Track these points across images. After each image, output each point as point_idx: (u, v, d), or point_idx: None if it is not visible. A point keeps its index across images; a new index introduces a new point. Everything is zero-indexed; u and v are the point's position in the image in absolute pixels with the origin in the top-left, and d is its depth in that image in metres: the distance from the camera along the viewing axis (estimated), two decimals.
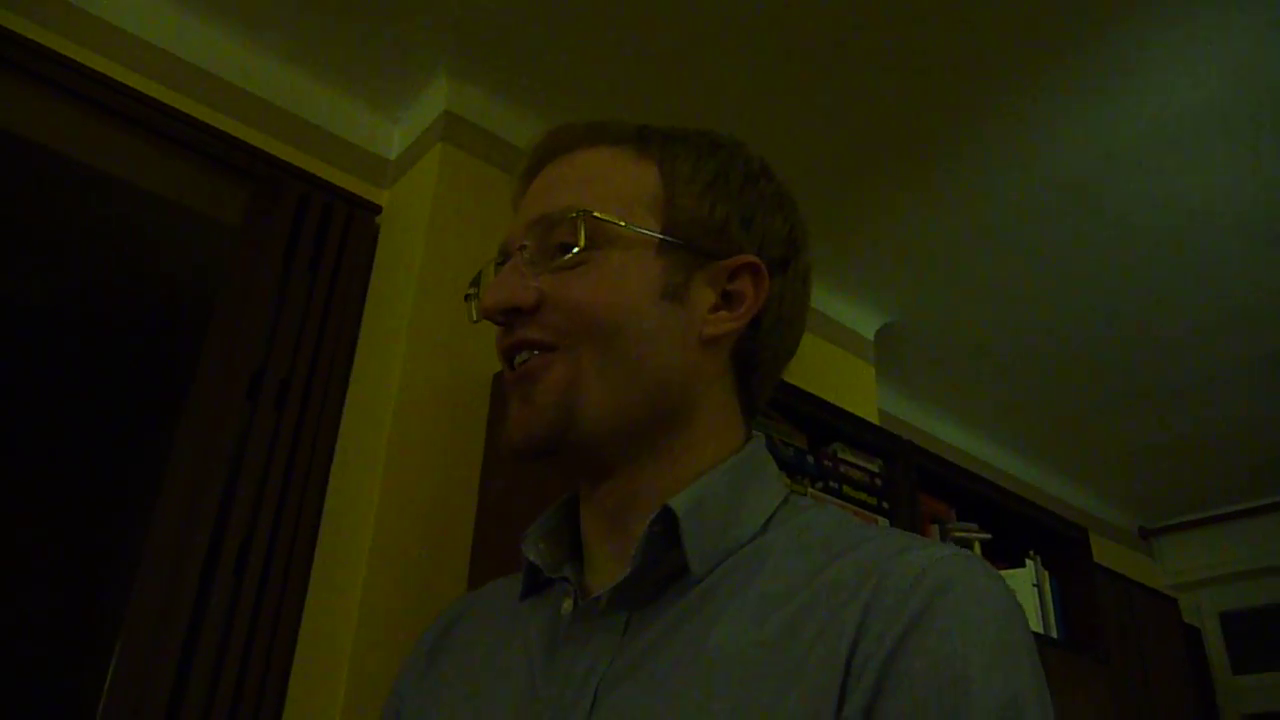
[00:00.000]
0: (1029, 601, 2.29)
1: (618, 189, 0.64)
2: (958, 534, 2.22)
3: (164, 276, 2.83)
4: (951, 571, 0.53)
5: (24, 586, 3.94)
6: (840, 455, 2.00)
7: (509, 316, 0.63)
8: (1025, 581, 2.33)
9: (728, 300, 0.65)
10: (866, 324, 2.73)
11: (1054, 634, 2.31)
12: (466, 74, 1.95)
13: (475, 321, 0.70)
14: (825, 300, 2.60)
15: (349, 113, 2.05)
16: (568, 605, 0.63)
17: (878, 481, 2.03)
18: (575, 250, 0.62)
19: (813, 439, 1.99)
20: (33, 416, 3.93)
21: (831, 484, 1.92)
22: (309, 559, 1.67)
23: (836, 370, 2.56)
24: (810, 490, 1.85)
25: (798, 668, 0.52)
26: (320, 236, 1.91)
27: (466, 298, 0.72)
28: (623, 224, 0.63)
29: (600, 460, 0.63)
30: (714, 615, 0.57)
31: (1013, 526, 2.45)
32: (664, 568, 0.60)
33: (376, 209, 2.01)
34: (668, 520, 0.59)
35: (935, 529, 2.22)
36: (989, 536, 2.28)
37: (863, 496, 1.97)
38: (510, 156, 2.00)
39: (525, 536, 0.68)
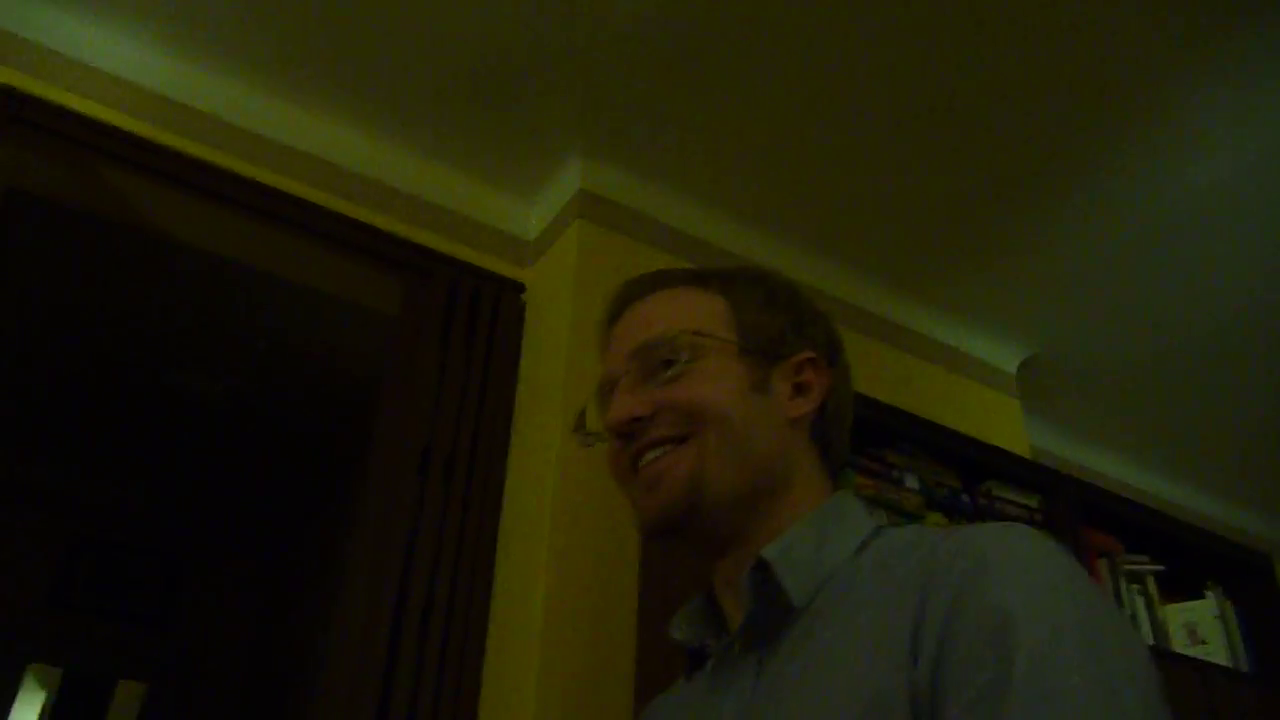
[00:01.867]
0: (1214, 634, 2.17)
1: (697, 315, 0.81)
2: (1128, 567, 2.14)
3: (330, 365, 3.03)
4: (989, 538, 0.64)
5: (221, 667, 4.20)
6: (995, 493, 1.97)
7: (631, 427, 0.78)
8: (1206, 613, 2.21)
9: (799, 390, 0.81)
10: (1008, 358, 2.68)
11: (1244, 667, 2.18)
12: (598, 153, 2.06)
13: (590, 445, 0.86)
14: (963, 338, 2.58)
15: (489, 198, 2.19)
16: (711, 664, 0.77)
17: (1037, 517, 1.99)
18: (679, 363, 0.78)
19: (966, 478, 1.97)
20: (215, 501, 4.22)
21: (989, 522, 1.90)
22: (485, 615, 1.75)
23: (982, 407, 2.53)
24: None
25: (876, 650, 0.62)
26: (472, 318, 2.03)
27: (576, 429, 0.89)
28: (710, 338, 0.79)
29: (720, 531, 0.77)
30: (818, 630, 0.68)
31: (1188, 556, 2.34)
32: (775, 608, 0.72)
33: (521, 287, 2.13)
34: (763, 568, 0.72)
35: (1103, 563, 2.15)
36: (1162, 568, 2.19)
37: None
38: (646, 229, 2.10)
39: (670, 624, 0.83)
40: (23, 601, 3.94)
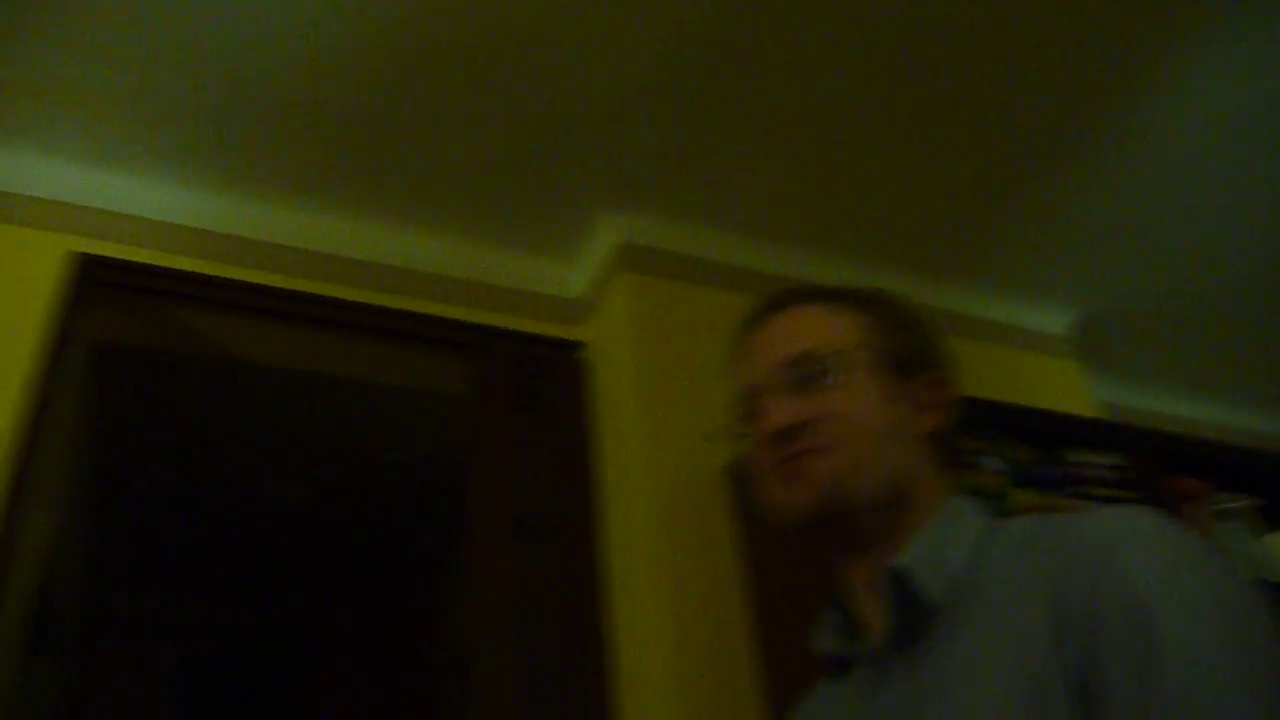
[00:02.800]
0: None
1: (844, 333, 0.88)
2: (1220, 506, 2.14)
3: (408, 453, 3.14)
4: (1113, 524, 0.69)
5: None
6: (1073, 459, 2.00)
7: (785, 433, 0.83)
8: None
9: (928, 406, 0.88)
10: (1059, 323, 2.70)
11: None
12: (630, 206, 2.15)
13: (741, 444, 0.90)
14: (1013, 312, 2.61)
15: (534, 266, 2.29)
16: (861, 672, 0.83)
17: (1121, 475, 2.01)
18: (830, 377, 0.84)
19: (1043, 450, 2.00)
20: (325, 605, 4.33)
21: (1076, 489, 1.92)
22: (602, 664, 1.82)
23: (1045, 376, 2.55)
24: (1059, 500, 1.86)
25: (1024, 640, 0.68)
26: (536, 381, 2.11)
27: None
28: (858, 356, 0.86)
29: (858, 533, 0.83)
30: (962, 628, 0.74)
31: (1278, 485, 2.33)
32: (915, 610, 0.77)
33: (578, 345, 2.21)
34: (900, 574, 0.78)
35: (1192, 507, 2.15)
36: (1255, 501, 2.18)
37: (1111, 493, 1.95)
38: (688, 267, 2.18)
39: (810, 638, 0.90)
40: None
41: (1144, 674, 0.61)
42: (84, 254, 1.90)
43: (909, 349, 0.89)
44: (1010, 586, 0.73)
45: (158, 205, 2.04)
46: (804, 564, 1.60)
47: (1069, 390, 2.55)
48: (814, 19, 1.81)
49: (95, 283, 1.91)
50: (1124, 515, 0.70)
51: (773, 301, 0.93)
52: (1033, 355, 2.59)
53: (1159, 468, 2.06)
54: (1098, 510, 0.72)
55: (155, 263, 1.98)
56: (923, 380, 0.88)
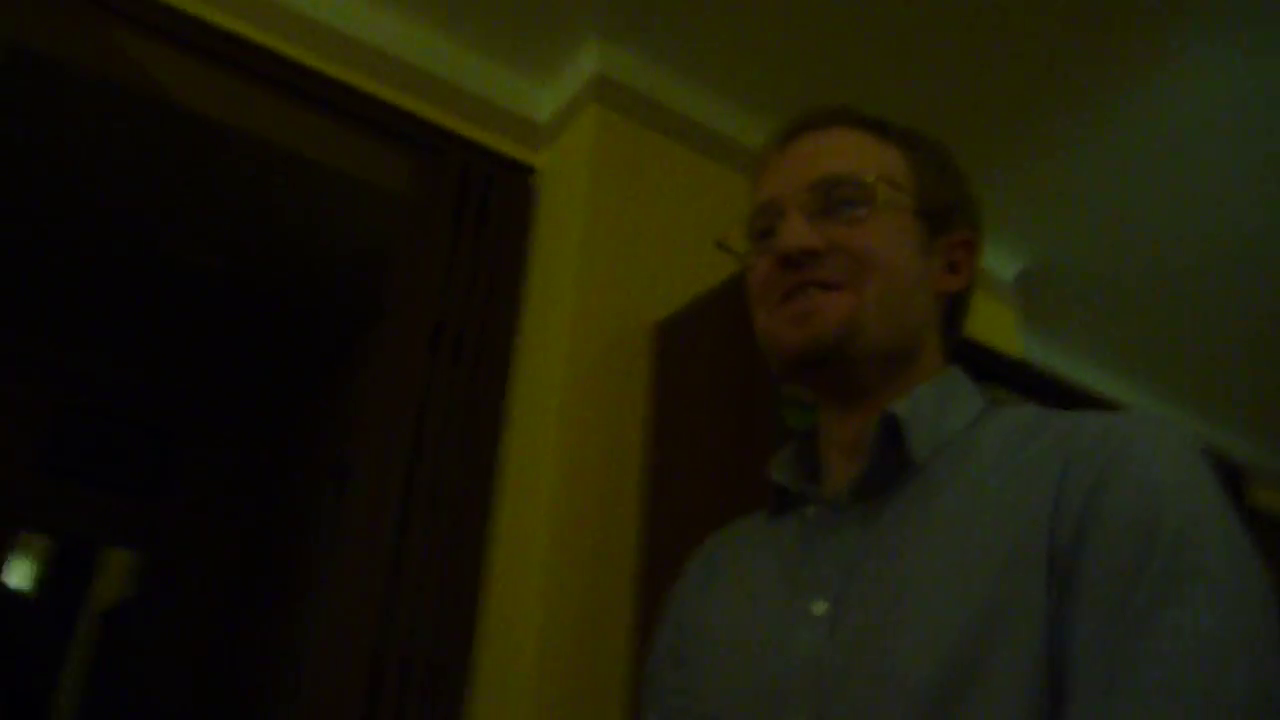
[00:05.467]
0: None
1: (882, 165, 0.79)
2: None
3: (334, 241, 3.02)
4: (1135, 425, 0.66)
5: (216, 538, 4.26)
6: (994, 394, 2.01)
7: (800, 258, 0.76)
8: None
9: (953, 267, 0.82)
10: (1006, 267, 2.70)
11: None
12: (618, 37, 2.02)
13: (749, 264, 0.83)
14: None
15: (503, 78, 2.15)
16: (812, 509, 0.79)
17: None
18: (862, 208, 0.77)
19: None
20: (214, 376, 4.24)
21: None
22: (489, 490, 1.80)
23: (981, 314, 2.54)
24: None
25: (1011, 512, 0.65)
26: (483, 199, 2.02)
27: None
28: (897, 192, 0.78)
29: (858, 379, 0.77)
30: (936, 491, 0.71)
31: None
32: (890, 464, 0.74)
33: (531, 170, 2.11)
34: (890, 423, 0.74)
35: None
36: None
37: None
38: (662, 119, 2.07)
39: (771, 465, 0.85)
40: (11, 469, 3.97)
41: (1136, 575, 0.58)
42: None
43: (948, 200, 0.82)
44: (1005, 462, 0.69)
45: None
46: (707, 449, 1.59)
47: (1001, 333, 2.56)
48: None
49: None
50: (1151, 419, 0.67)
51: (812, 117, 0.84)
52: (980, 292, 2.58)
53: None
54: (1121, 412, 0.69)
55: None
56: (956, 237, 0.82)
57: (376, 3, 2.03)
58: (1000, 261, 2.69)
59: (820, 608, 0.70)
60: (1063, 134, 2.22)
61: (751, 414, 1.49)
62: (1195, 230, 2.54)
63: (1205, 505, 0.61)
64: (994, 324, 2.58)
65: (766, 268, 0.79)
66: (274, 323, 3.61)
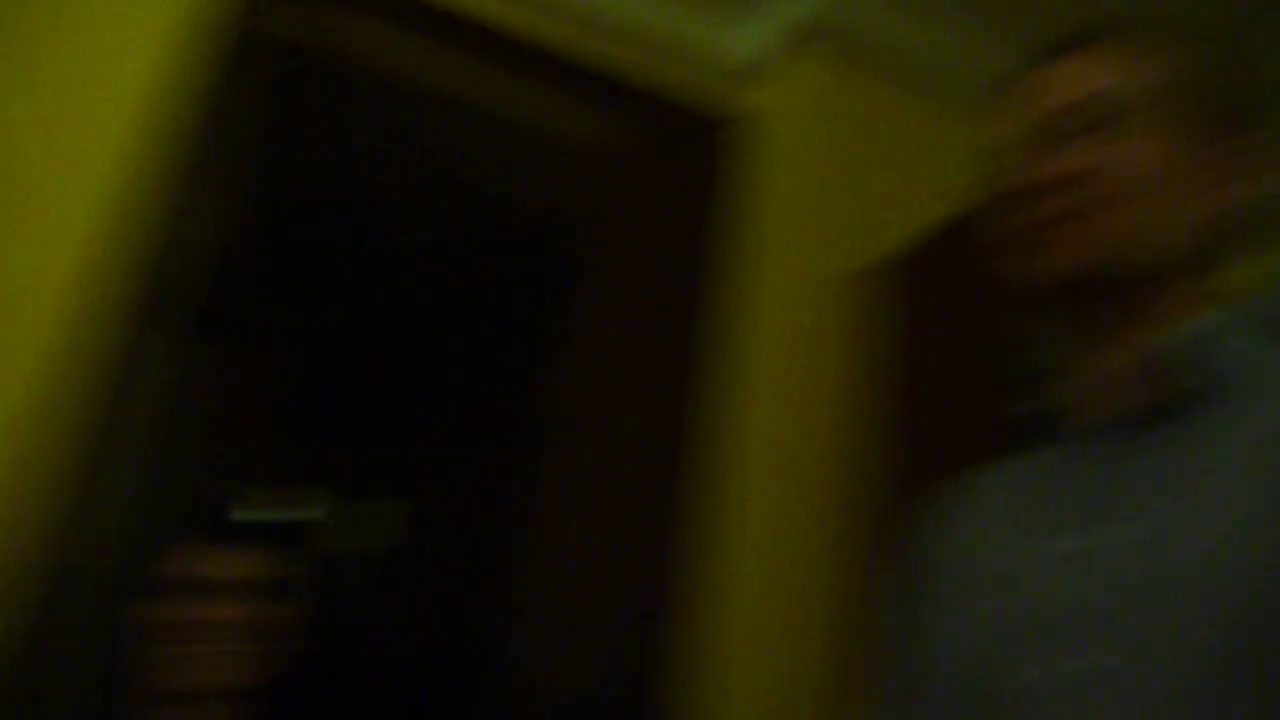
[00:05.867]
0: None
1: (1141, 76, 0.74)
2: None
3: (540, 201, 3.10)
4: None
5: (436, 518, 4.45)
6: None
7: (1046, 186, 0.72)
8: None
9: (1231, 177, 0.74)
10: None
11: None
12: None
13: (1003, 193, 0.77)
14: None
15: (701, 26, 2.09)
16: (1092, 440, 0.73)
17: None
18: (1120, 125, 0.71)
19: None
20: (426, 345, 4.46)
21: None
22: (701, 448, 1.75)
23: None
24: None
25: None
26: (691, 157, 1.97)
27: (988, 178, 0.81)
28: (1155, 104, 0.72)
29: (1130, 299, 0.72)
30: (1240, 414, 0.64)
31: None
32: (1187, 387, 0.68)
33: (735, 120, 2.04)
34: (1173, 354, 0.68)
35: None
36: None
37: None
38: (877, 60, 1.98)
39: (1024, 403, 0.84)
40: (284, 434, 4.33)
41: None
42: None
43: (1224, 102, 0.75)
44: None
45: None
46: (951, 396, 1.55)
47: None
48: None
49: None
50: None
51: (1059, 42, 0.78)
52: None
53: None
54: None
55: None
56: (1235, 143, 0.75)
57: None
58: None
59: (1138, 530, 0.65)
60: None
61: (987, 357, 1.44)
62: None
63: None
64: None
65: (1007, 205, 0.75)
66: (484, 288, 3.77)
